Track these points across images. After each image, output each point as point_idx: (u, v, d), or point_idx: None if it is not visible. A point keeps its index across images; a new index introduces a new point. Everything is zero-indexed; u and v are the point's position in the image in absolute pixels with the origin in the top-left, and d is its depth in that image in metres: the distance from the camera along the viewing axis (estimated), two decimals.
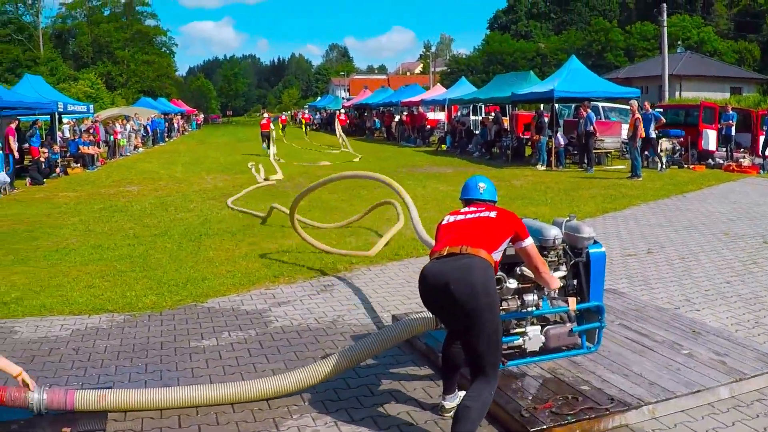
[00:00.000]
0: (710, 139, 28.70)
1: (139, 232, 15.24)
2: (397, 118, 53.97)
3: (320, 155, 38.35)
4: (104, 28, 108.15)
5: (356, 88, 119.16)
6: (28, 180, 25.34)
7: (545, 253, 6.46)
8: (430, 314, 6.39)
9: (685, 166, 26.86)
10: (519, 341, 6.37)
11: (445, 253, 5.43)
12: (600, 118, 31.40)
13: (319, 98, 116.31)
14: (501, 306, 5.89)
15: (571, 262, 6.70)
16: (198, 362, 7.41)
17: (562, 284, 6.47)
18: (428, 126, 48.28)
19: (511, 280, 6.19)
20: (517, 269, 6.31)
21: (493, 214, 5.73)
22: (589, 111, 26.91)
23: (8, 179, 23.04)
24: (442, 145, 40.68)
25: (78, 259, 12.57)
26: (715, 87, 63.34)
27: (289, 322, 8.84)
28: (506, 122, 35.89)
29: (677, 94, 61.01)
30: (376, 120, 58.88)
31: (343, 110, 71.44)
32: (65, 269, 11.73)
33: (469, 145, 37.17)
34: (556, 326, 6.61)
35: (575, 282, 6.75)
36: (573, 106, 33.98)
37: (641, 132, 23.75)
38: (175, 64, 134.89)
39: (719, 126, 28.80)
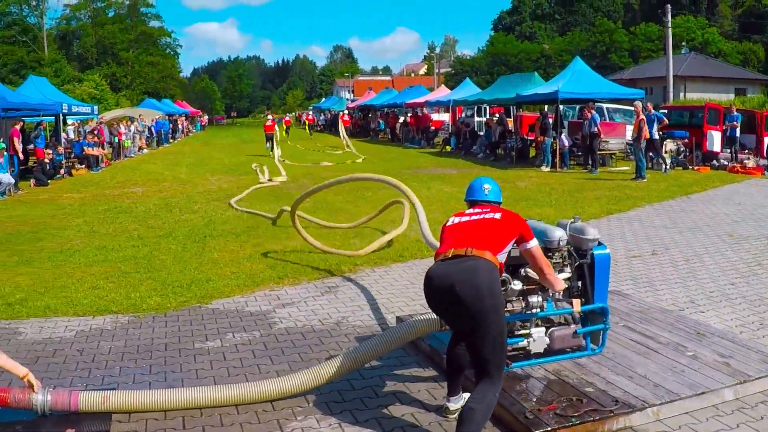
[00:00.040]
0: (715, 140, 28.70)
1: (143, 233, 15.25)
2: (401, 119, 53.99)
3: (323, 156, 38.38)
4: (108, 30, 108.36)
5: (360, 90, 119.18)
6: (32, 181, 25.34)
7: (550, 254, 6.46)
8: (434, 316, 6.41)
9: (690, 167, 26.83)
10: (523, 343, 6.36)
11: (450, 255, 5.42)
12: (604, 120, 31.35)
13: (323, 99, 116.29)
14: (505, 307, 5.88)
15: (576, 264, 6.70)
16: (202, 364, 7.41)
17: (566, 286, 6.47)
18: (432, 127, 48.24)
19: (516, 282, 6.19)
20: (522, 271, 6.31)
21: (497, 215, 5.72)
22: (594, 112, 26.90)
23: (12, 180, 23.06)
24: (447, 147, 40.67)
25: (82, 260, 12.58)
26: (719, 88, 63.28)
27: (294, 323, 8.84)
28: (511, 123, 35.90)
29: (682, 95, 60.96)
30: (381, 121, 58.85)
31: (346, 111, 71.40)
32: (70, 270, 11.74)
33: (474, 146, 37.15)
34: (561, 328, 6.61)
35: (580, 283, 6.75)
36: (577, 107, 33.96)
37: (646, 133, 23.73)
38: (180, 66, 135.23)
39: (724, 127, 28.79)
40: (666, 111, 31.85)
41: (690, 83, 64.79)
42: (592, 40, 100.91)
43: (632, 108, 26.60)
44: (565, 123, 31.68)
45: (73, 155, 31.57)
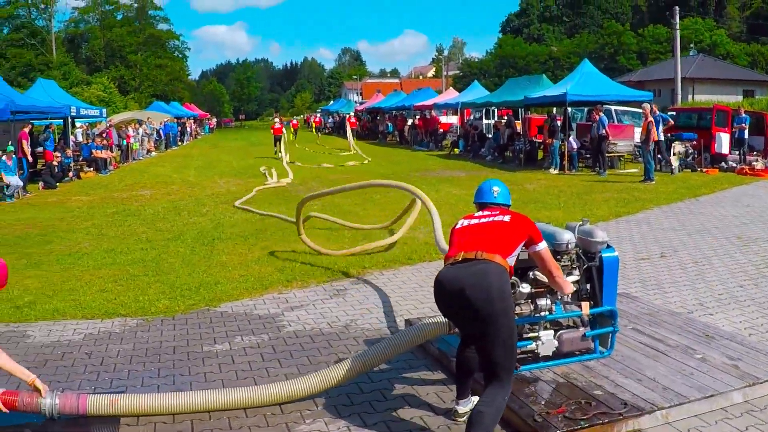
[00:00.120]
0: (723, 142, 28.61)
1: (151, 236, 15.28)
2: (409, 121, 53.94)
3: (328, 158, 38.35)
4: (117, 33, 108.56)
5: (369, 92, 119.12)
6: (41, 184, 25.38)
7: (558, 257, 6.45)
8: (443, 319, 6.40)
9: (698, 169, 26.76)
10: (532, 346, 6.36)
11: (460, 259, 5.43)
12: (613, 122, 31.34)
13: (331, 102, 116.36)
14: (514, 311, 5.88)
15: (584, 267, 6.69)
16: (211, 367, 7.42)
17: (575, 288, 6.46)
18: (441, 130, 48.16)
19: (525, 285, 6.18)
20: (530, 273, 6.31)
21: (507, 218, 5.72)
22: (602, 114, 26.90)
23: (21, 183, 23.13)
24: (455, 149, 40.65)
25: (91, 263, 12.61)
26: (727, 90, 63.08)
27: (302, 326, 8.84)
28: (519, 126, 35.84)
29: (690, 97, 60.79)
30: (389, 124, 58.76)
31: (352, 114, 71.37)
32: (78, 273, 11.76)
33: (482, 148, 37.12)
34: (569, 331, 6.59)
35: (588, 286, 6.74)
36: (586, 109, 33.94)
37: (654, 135, 23.70)
38: (188, 68, 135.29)
39: (732, 129, 28.70)
40: (674, 113, 31.76)
41: (698, 85, 64.61)
42: (600, 43, 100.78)
43: (640, 110, 26.58)
44: (574, 125, 31.63)
45: (81, 158, 31.63)
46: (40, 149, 28.96)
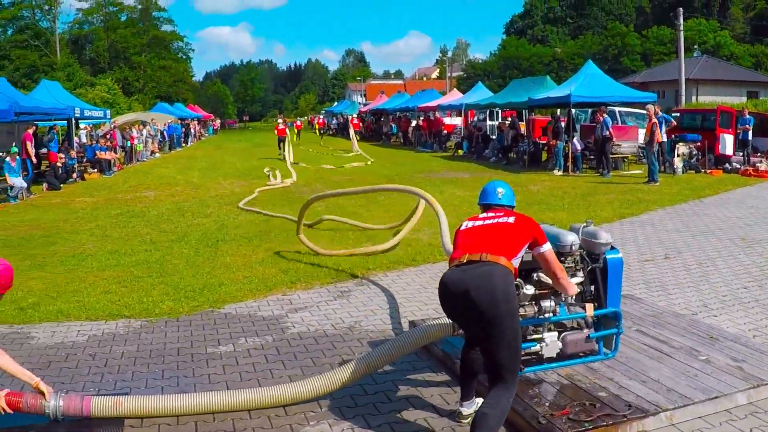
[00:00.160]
0: (727, 143, 28.59)
1: (155, 237, 15.29)
2: (413, 123, 53.87)
3: (331, 159, 38.34)
4: (121, 34, 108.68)
5: (373, 93, 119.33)
6: (44, 185, 25.42)
7: (562, 259, 6.44)
8: (447, 320, 6.40)
9: (702, 170, 26.72)
10: (536, 347, 6.36)
11: (465, 261, 5.44)
12: (617, 123, 31.33)
13: (335, 103, 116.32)
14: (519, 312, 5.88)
15: (588, 268, 6.68)
16: (215, 368, 7.43)
17: (579, 290, 6.45)
18: (445, 131, 48.18)
19: (528, 287, 6.18)
20: (534, 275, 6.30)
21: (511, 219, 5.72)
22: (606, 116, 26.87)
23: (25, 184, 23.16)
24: (459, 150, 40.65)
25: (95, 264, 12.62)
26: (731, 91, 62.94)
27: (306, 328, 8.84)
28: (523, 127, 35.83)
29: (694, 98, 60.72)
30: (393, 125, 58.76)
31: (355, 115, 71.34)
32: (82, 275, 11.77)
33: (486, 150, 37.13)
34: (573, 332, 6.59)
35: (592, 288, 6.73)
36: (590, 110, 33.99)
37: (659, 137, 23.70)
38: (192, 70, 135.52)
39: (736, 130, 28.68)
40: (678, 114, 31.74)
41: (702, 86, 64.54)
42: (604, 44, 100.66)
43: (644, 111, 26.56)
44: (578, 126, 31.62)
45: (85, 159, 31.68)
46: (44, 150, 29.04)
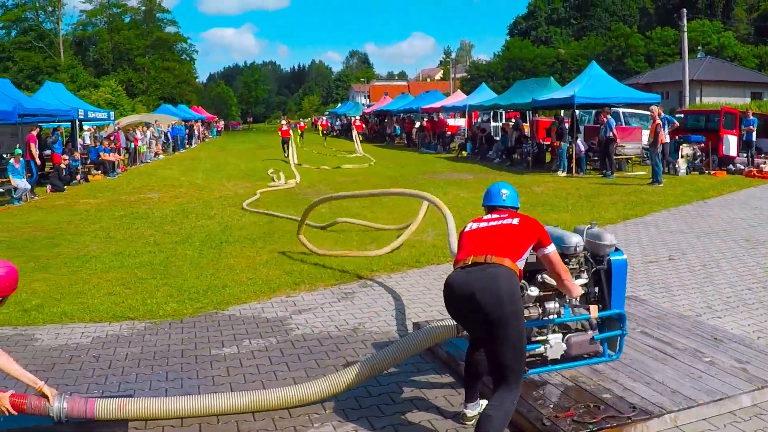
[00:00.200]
0: (731, 144, 28.55)
1: (159, 239, 15.29)
2: (417, 124, 53.87)
3: (331, 160, 38.36)
4: (124, 35, 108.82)
5: (376, 95, 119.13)
6: (48, 187, 25.43)
7: (566, 260, 6.43)
8: (451, 322, 6.39)
9: (706, 171, 26.71)
10: (540, 349, 6.35)
11: (469, 263, 5.43)
12: (620, 124, 31.28)
13: (339, 105, 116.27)
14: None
15: (593, 270, 6.67)
16: (219, 370, 7.42)
17: (583, 292, 6.45)
18: (449, 132, 48.07)
19: (533, 288, 6.17)
20: (539, 277, 6.29)
21: (515, 221, 5.72)
22: (610, 117, 26.86)
23: (29, 186, 23.16)
24: (463, 152, 40.67)
25: (99, 266, 12.62)
26: (735, 92, 62.97)
27: (310, 329, 8.84)
28: (527, 128, 35.82)
29: (698, 99, 60.75)
30: (397, 126, 58.77)
31: (358, 117, 71.35)
32: (86, 276, 11.78)
33: (490, 151, 37.12)
34: (578, 334, 6.59)
35: (597, 289, 6.72)
36: (593, 112, 33.93)
37: (662, 138, 23.69)
38: (196, 71, 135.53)
39: (740, 131, 28.65)
40: (682, 115, 31.74)
41: (706, 87, 64.52)
42: (608, 45, 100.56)
43: (648, 112, 26.54)
44: (581, 128, 31.61)
45: (89, 161, 31.66)
46: (48, 152, 29.06)
